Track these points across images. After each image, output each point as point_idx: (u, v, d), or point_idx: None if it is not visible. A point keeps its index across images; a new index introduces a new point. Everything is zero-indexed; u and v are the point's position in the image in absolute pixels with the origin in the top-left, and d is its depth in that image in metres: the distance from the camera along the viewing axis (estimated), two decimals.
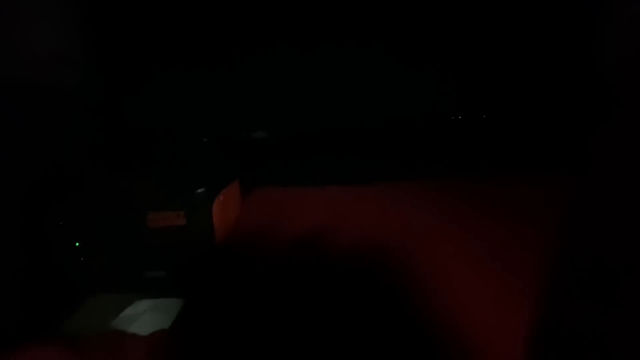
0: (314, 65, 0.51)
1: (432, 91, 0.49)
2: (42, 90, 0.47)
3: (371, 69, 0.51)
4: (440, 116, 0.47)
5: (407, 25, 0.48)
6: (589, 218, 0.18)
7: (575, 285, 0.17)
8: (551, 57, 0.47)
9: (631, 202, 0.18)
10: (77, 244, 0.49)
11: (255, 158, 0.51)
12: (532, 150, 0.43)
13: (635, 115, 0.18)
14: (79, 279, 0.48)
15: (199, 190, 0.49)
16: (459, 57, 0.49)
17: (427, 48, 0.49)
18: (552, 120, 0.44)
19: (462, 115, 0.46)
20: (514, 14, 0.47)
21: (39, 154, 0.47)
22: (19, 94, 0.45)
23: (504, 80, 0.47)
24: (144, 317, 0.45)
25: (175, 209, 0.49)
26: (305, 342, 0.19)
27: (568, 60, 0.46)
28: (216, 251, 0.26)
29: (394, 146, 0.47)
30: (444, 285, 0.19)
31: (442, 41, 0.49)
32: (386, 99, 0.50)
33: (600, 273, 0.17)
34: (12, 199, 0.44)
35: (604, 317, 0.16)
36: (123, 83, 0.52)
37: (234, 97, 0.53)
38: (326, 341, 0.19)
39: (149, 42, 0.51)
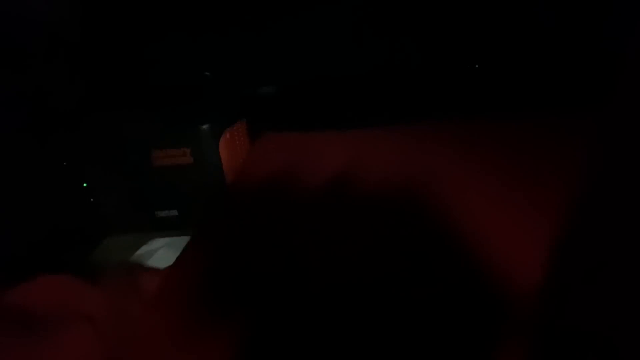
0: (324, 9, 0.48)
1: (446, 39, 0.46)
2: (26, 26, 0.43)
3: (381, 18, 0.47)
4: (455, 65, 0.45)
5: None
6: (611, 155, 0.17)
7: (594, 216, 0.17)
8: None
9: None
10: (84, 184, 0.48)
11: (262, 108, 0.49)
12: (552, 89, 0.41)
13: None
14: (91, 219, 0.48)
15: (204, 127, 0.48)
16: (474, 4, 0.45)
17: None
18: (572, 55, 0.42)
19: (478, 63, 0.45)
20: None
21: (34, 93, 0.45)
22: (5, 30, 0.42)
23: (520, 24, 0.44)
24: (159, 254, 0.47)
25: (180, 147, 0.48)
26: (322, 281, 0.19)
27: None
28: (226, 190, 0.25)
29: (407, 93, 0.45)
30: (470, 220, 0.19)
31: None
32: (399, 46, 0.47)
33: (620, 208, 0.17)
34: (11, 139, 0.43)
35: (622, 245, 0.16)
36: (117, 25, 0.48)
37: (237, 53, 0.50)
38: (344, 282, 0.19)
39: None
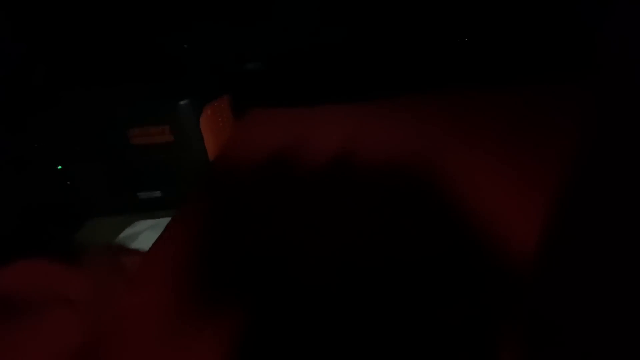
0: None
1: (436, 12, 0.45)
2: None
3: None
4: (445, 38, 0.44)
5: None
6: (604, 120, 0.17)
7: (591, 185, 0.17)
8: None
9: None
10: (59, 167, 0.46)
11: (245, 83, 0.47)
12: (541, 60, 0.41)
13: None
14: (68, 204, 0.47)
15: (182, 102, 0.46)
16: None
17: None
18: (559, 25, 0.41)
19: (468, 37, 0.44)
20: None
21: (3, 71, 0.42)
22: None
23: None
24: (143, 236, 0.45)
25: (158, 124, 0.46)
26: (312, 261, 0.18)
27: None
28: (209, 168, 0.24)
29: (397, 67, 0.45)
30: (472, 192, 0.19)
31: None
32: (389, 19, 0.46)
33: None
34: None
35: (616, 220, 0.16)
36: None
37: (216, 24, 0.47)
38: (338, 258, 0.18)
39: None
